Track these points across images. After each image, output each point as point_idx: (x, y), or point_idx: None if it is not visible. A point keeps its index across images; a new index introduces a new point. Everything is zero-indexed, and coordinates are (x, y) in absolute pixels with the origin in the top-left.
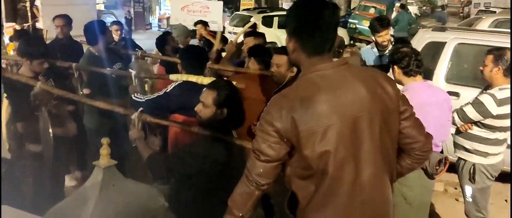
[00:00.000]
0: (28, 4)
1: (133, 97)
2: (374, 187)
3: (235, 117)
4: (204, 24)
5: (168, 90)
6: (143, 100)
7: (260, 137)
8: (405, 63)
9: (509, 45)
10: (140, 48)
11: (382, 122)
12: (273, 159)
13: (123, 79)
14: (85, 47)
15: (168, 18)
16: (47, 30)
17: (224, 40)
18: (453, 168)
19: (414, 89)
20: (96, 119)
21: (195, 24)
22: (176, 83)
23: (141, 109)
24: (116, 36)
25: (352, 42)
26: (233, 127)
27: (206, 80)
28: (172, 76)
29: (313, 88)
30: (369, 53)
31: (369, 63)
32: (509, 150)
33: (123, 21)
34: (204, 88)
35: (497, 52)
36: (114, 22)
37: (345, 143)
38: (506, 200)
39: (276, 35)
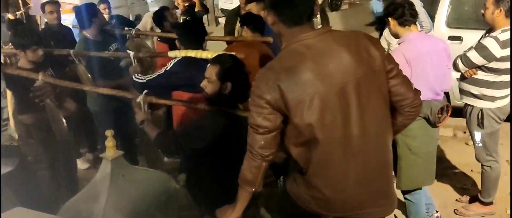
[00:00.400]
0: None
1: (134, 78)
2: (367, 147)
3: (241, 90)
4: None
5: (168, 68)
6: (144, 80)
7: (254, 111)
8: (399, 13)
9: None
10: (131, 25)
11: (369, 83)
12: (271, 129)
13: (122, 60)
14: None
15: None
16: (40, 17)
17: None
18: (461, 112)
19: (411, 40)
20: (100, 100)
21: None
22: (176, 60)
23: (146, 91)
24: (105, 15)
25: None
26: (240, 100)
27: (205, 54)
28: (171, 53)
29: (298, 58)
30: (377, 5)
31: (377, 14)
32: None
33: None
34: (208, 64)
35: None
36: (100, 1)
37: (333, 110)
38: None
39: None
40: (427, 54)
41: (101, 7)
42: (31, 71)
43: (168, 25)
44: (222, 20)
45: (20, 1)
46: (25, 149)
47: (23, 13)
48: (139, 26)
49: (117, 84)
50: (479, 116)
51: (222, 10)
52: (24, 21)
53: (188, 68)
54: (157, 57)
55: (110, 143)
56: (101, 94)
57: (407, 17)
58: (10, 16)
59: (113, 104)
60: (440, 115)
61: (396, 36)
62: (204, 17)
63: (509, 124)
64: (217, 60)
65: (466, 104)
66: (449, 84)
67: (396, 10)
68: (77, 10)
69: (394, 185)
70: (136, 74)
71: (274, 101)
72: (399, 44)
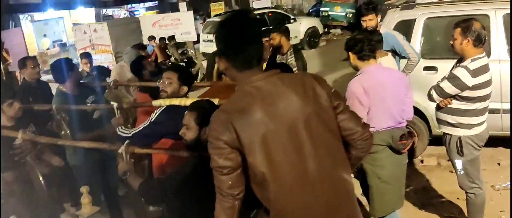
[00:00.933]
0: None
1: (119, 132)
2: (325, 181)
3: None
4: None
5: (152, 119)
6: (130, 134)
7: (214, 154)
8: (358, 48)
9: (474, 12)
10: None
11: (318, 120)
12: (234, 168)
13: (102, 112)
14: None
15: None
16: (20, 72)
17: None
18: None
19: (370, 71)
20: (80, 154)
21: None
22: (160, 110)
23: (127, 141)
24: (86, 69)
25: (326, 30)
26: None
27: (189, 101)
28: (155, 102)
29: (248, 99)
30: None
31: None
32: (499, 115)
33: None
34: (185, 112)
35: (464, 25)
36: (82, 55)
37: (285, 147)
38: (499, 163)
39: None
40: (384, 84)
41: (83, 61)
42: (12, 129)
43: (147, 74)
44: (204, 63)
45: None
46: (7, 208)
47: (2, 69)
48: (112, 76)
49: (97, 136)
50: (458, 144)
51: (203, 54)
52: (4, 78)
53: (173, 117)
54: (140, 107)
55: (85, 199)
56: (81, 150)
57: (366, 52)
58: None
59: (95, 157)
60: (402, 142)
61: (355, 68)
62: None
63: (490, 148)
64: (193, 106)
65: (445, 134)
66: (411, 114)
67: (356, 46)
68: (52, 65)
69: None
70: (120, 127)
71: (231, 142)
72: (359, 75)
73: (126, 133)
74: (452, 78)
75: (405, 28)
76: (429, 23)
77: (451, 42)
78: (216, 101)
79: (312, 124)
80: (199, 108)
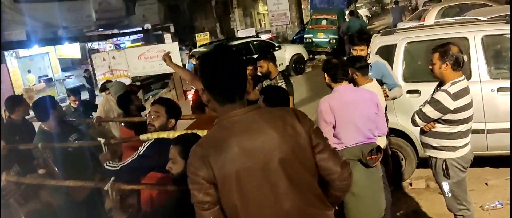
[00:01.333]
0: None
1: (106, 166)
2: None
3: None
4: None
5: (140, 152)
6: (118, 167)
7: (194, 189)
8: (332, 72)
9: (453, 35)
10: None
11: (295, 158)
12: (214, 203)
13: (87, 149)
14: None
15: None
16: (4, 110)
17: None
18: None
19: (339, 91)
20: (63, 195)
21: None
22: (148, 143)
23: (113, 178)
24: (74, 105)
25: (311, 56)
26: None
27: (177, 134)
28: (142, 136)
29: (225, 134)
30: None
31: None
32: (483, 135)
33: (83, 80)
34: (171, 146)
35: (441, 49)
36: (71, 92)
37: (259, 184)
38: (486, 183)
39: None
40: (351, 103)
41: (71, 99)
42: None
43: (134, 109)
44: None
45: None
46: None
47: None
48: (98, 113)
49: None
50: (444, 167)
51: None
52: None
53: (161, 150)
54: (127, 142)
55: None
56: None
57: (339, 76)
58: None
59: (81, 195)
60: (371, 157)
61: (329, 87)
62: (173, 92)
63: (477, 169)
64: (178, 140)
65: (430, 157)
66: (384, 130)
67: (331, 69)
68: (34, 103)
69: None
70: (107, 162)
71: (207, 177)
72: (332, 93)
73: (114, 166)
74: (433, 102)
75: (386, 53)
76: (410, 47)
77: (430, 66)
78: (204, 133)
79: (289, 162)
80: (184, 141)
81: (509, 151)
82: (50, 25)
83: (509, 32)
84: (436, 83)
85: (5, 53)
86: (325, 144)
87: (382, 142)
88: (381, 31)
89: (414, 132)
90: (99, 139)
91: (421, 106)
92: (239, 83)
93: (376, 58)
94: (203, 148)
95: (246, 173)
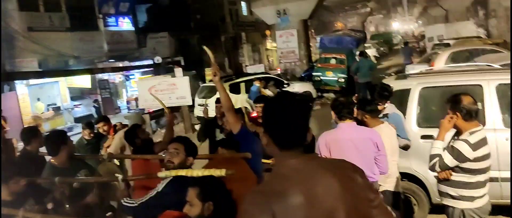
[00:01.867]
0: None
1: (124, 203)
2: None
3: (225, 208)
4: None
5: (159, 189)
6: (136, 204)
7: None
8: (338, 109)
9: (467, 83)
10: None
11: (355, 210)
12: None
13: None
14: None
15: (136, 99)
16: (16, 140)
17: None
18: (442, 209)
19: (340, 127)
20: None
21: (97, 122)
22: (167, 181)
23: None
24: (88, 138)
25: (319, 94)
26: None
27: (195, 172)
28: (160, 174)
29: (287, 182)
30: None
31: None
32: (497, 183)
33: (92, 110)
34: (188, 188)
35: (452, 101)
36: (86, 125)
37: None
38: None
39: (245, 100)
40: (350, 140)
41: (86, 132)
42: (12, 204)
43: (140, 142)
44: (198, 127)
45: None
46: None
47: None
48: (110, 149)
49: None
50: (461, 217)
51: (198, 118)
52: (1, 146)
53: (179, 188)
54: (146, 179)
55: None
56: None
57: (344, 113)
58: None
59: None
60: None
61: (336, 123)
62: (181, 125)
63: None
64: (197, 182)
65: (447, 206)
66: (385, 169)
67: (337, 107)
68: (46, 136)
69: None
70: (125, 199)
71: None
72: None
73: (132, 203)
74: (452, 151)
75: (400, 97)
76: (424, 93)
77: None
78: (222, 173)
79: (350, 213)
80: (202, 184)
81: None
82: (61, 54)
83: None
84: (451, 130)
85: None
86: (379, 199)
87: (384, 182)
88: (393, 74)
89: (427, 178)
90: (116, 175)
91: (439, 153)
92: (302, 131)
93: (393, 109)
94: (265, 195)
95: None
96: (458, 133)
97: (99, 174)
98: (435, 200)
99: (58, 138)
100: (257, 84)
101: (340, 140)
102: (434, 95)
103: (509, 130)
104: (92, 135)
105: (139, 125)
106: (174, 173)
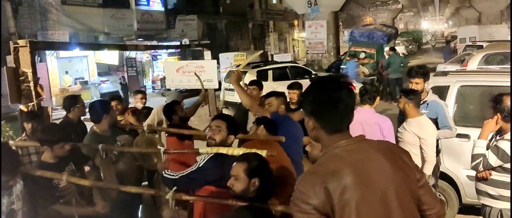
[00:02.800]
0: (32, 84)
1: (165, 175)
2: None
3: (267, 187)
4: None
5: (200, 165)
6: (177, 176)
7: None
8: (361, 95)
9: (508, 84)
10: None
11: (406, 190)
12: None
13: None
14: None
15: (161, 80)
16: (51, 108)
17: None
18: (472, 210)
19: (357, 110)
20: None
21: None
22: (208, 156)
23: (174, 188)
24: (140, 104)
25: None
26: (266, 197)
27: (236, 151)
28: (202, 150)
29: (340, 162)
30: None
31: None
32: None
33: (118, 87)
34: (234, 163)
35: (493, 100)
36: (137, 91)
37: (378, 214)
38: None
39: (272, 88)
40: (357, 122)
41: (139, 96)
42: (53, 166)
43: (177, 119)
44: (224, 111)
45: (33, 93)
46: None
47: (35, 105)
48: (148, 121)
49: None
50: (499, 217)
51: (225, 102)
52: (39, 114)
53: (220, 165)
54: (184, 153)
55: None
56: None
57: (365, 99)
58: (22, 107)
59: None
60: None
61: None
62: (206, 108)
63: None
64: (244, 158)
65: (484, 205)
66: None
67: (361, 92)
68: (91, 104)
69: None
70: (166, 170)
71: (321, 206)
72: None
73: (173, 175)
74: (497, 151)
75: (438, 94)
76: (463, 91)
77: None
78: (263, 153)
79: (401, 193)
80: (249, 160)
81: None
82: (92, 29)
83: None
84: None
85: (46, 52)
86: (425, 179)
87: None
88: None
89: (459, 176)
90: (159, 147)
91: (482, 152)
92: (350, 114)
93: (434, 98)
94: (319, 175)
95: (366, 202)
96: (500, 132)
97: (137, 144)
98: (465, 200)
99: (102, 107)
100: (355, 61)
101: (357, 122)
102: (473, 94)
103: None
104: (144, 100)
105: (179, 101)
106: (215, 150)
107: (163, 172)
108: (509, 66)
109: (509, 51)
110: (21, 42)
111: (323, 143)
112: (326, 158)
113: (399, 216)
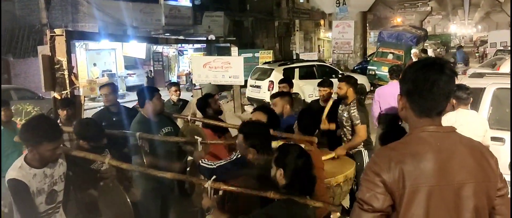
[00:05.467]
0: (66, 72)
1: (202, 164)
2: None
3: (297, 179)
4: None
5: (239, 155)
6: (214, 166)
7: (365, 186)
8: (391, 72)
9: None
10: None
11: (484, 193)
12: (376, 209)
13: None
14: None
15: (187, 75)
16: (84, 97)
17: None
18: None
19: (390, 84)
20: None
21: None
22: None
23: (214, 177)
24: (175, 97)
25: (373, 88)
26: (308, 191)
27: (274, 144)
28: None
29: (424, 146)
30: None
31: None
32: None
33: (144, 80)
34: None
35: None
36: (171, 83)
37: (448, 208)
38: None
39: (299, 86)
40: (390, 95)
41: (172, 89)
42: (91, 152)
43: (210, 111)
44: (248, 108)
45: (67, 82)
46: None
47: (69, 92)
48: (186, 111)
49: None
50: None
51: (249, 99)
52: (74, 101)
53: None
54: (222, 144)
55: None
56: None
57: (393, 75)
58: (56, 95)
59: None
60: None
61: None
62: (231, 104)
63: None
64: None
65: None
66: None
67: (392, 68)
68: (139, 89)
69: None
70: (202, 160)
71: (390, 183)
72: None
73: (210, 165)
74: None
75: (473, 96)
76: (499, 93)
77: None
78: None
79: (479, 194)
80: (277, 150)
81: None
82: (121, 23)
83: None
84: None
85: (76, 44)
86: (507, 190)
87: None
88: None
89: None
90: (196, 137)
91: None
92: (444, 100)
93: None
94: (398, 153)
95: (439, 191)
96: None
97: (182, 134)
98: None
99: (144, 92)
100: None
101: (386, 94)
102: (508, 97)
103: None
104: (178, 92)
105: (212, 95)
106: None
107: (200, 161)
108: None
109: None
110: (57, 31)
111: (410, 124)
112: (411, 138)
113: (471, 215)
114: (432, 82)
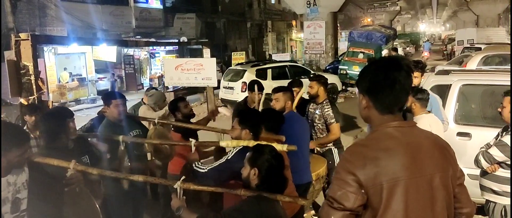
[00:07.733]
0: (32, 77)
1: (195, 167)
2: None
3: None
4: None
5: (229, 157)
6: (205, 170)
7: (336, 184)
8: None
9: (509, 83)
10: None
11: (449, 182)
12: (346, 208)
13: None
14: None
15: (159, 77)
16: (52, 102)
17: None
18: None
19: None
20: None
21: None
22: (237, 149)
23: (183, 177)
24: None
25: (344, 87)
26: (278, 189)
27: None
28: (222, 143)
29: (393, 140)
30: None
31: None
32: None
33: (108, 84)
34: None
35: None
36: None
37: (423, 198)
38: None
39: (271, 86)
40: None
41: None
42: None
43: (180, 115)
44: (222, 110)
45: (33, 87)
46: None
47: (36, 98)
48: (156, 115)
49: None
50: (503, 213)
51: (222, 100)
52: (41, 106)
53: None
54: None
55: None
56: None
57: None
58: (23, 100)
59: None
60: None
61: None
62: (204, 106)
63: None
64: (252, 148)
65: (488, 201)
66: None
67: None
68: (104, 94)
69: None
70: (195, 163)
71: (365, 180)
72: None
73: (202, 168)
74: (501, 145)
75: (439, 92)
76: (465, 90)
77: (499, 109)
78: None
79: (447, 183)
80: (252, 150)
81: None
82: (90, 26)
83: None
84: (488, 129)
85: (44, 48)
86: (464, 178)
87: None
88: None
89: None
90: (191, 139)
91: (487, 149)
92: (405, 96)
93: (429, 92)
94: (371, 149)
95: (415, 184)
96: (507, 127)
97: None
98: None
99: (112, 96)
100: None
101: None
102: (474, 93)
103: None
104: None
105: (184, 98)
106: (235, 143)
107: (194, 165)
108: (509, 67)
109: (508, 53)
110: (22, 35)
111: (373, 122)
112: (378, 134)
113: (442, 205)
114: (392, 79)
